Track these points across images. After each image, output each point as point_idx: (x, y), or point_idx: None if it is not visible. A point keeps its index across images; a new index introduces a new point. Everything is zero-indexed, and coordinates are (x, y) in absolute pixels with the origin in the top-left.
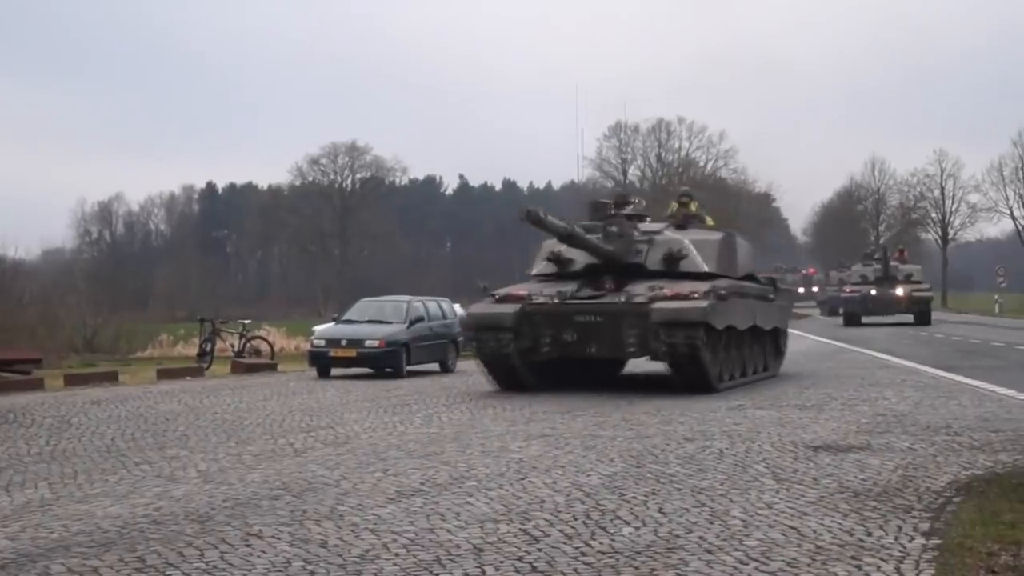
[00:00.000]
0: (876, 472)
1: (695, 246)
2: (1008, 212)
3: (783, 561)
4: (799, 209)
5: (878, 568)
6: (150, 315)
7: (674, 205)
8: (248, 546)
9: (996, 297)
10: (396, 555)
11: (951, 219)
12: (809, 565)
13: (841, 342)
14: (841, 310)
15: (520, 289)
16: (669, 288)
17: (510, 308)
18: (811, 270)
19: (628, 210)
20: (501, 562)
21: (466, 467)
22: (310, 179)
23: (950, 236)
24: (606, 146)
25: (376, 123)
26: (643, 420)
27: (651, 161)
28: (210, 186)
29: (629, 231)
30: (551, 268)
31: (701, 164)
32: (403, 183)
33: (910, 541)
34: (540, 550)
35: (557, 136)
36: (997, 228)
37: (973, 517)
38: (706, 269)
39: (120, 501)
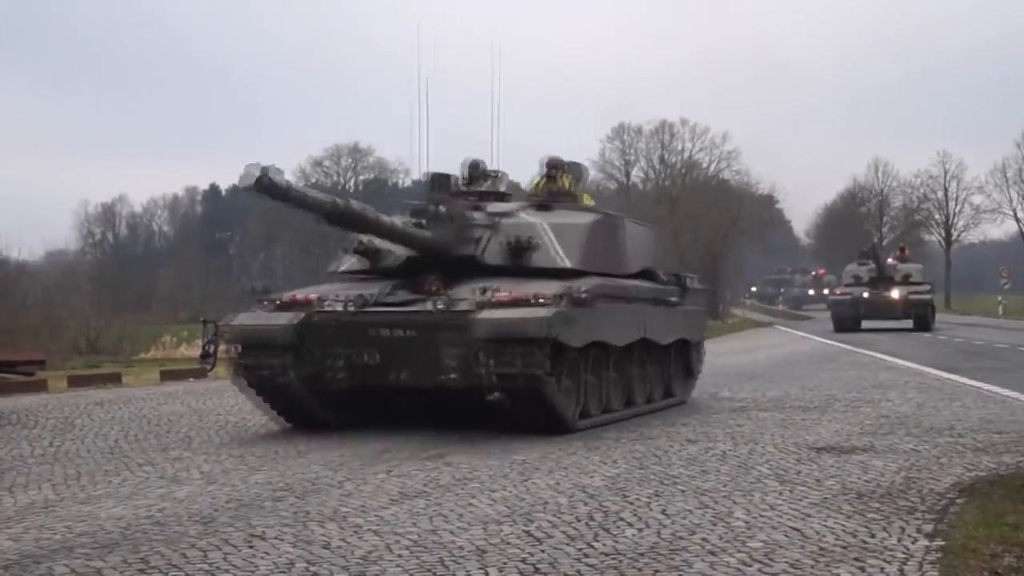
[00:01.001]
0: (879, 474)
1: (555, 233)
2: (1012, 214)
3: (786, 563)
4: (802, 210)
5: (881, 570)
6: (153, 316)
7: (537, 179)
8: (251, 547)
9: (1000, 299)
10: (399, 556)
11: (955, 221)
12: (812, 567)
13: (844, 343)
14: (831, 315)
15: (310, 292)
16: (507, 290)
17: (287, 319)
18: (821, 271)
19: (485, 185)
20: (504, 563)
21: (469, 468)
22: (313, 180)
23: (954, 238)
24: (609, 148)
25: (379, 124)
26: (646, 421)
27: (654, 163)
28: (213, 188)
29: (463, 213)
30: (364, 263)
31: (704, 166)
32: (406, 184)
33: (913, 543)
34: (543, 551)
35: (559, 137)
36: (1001, 230)
37: (976, 519)
38: (567, 264)
39: (123, 502)
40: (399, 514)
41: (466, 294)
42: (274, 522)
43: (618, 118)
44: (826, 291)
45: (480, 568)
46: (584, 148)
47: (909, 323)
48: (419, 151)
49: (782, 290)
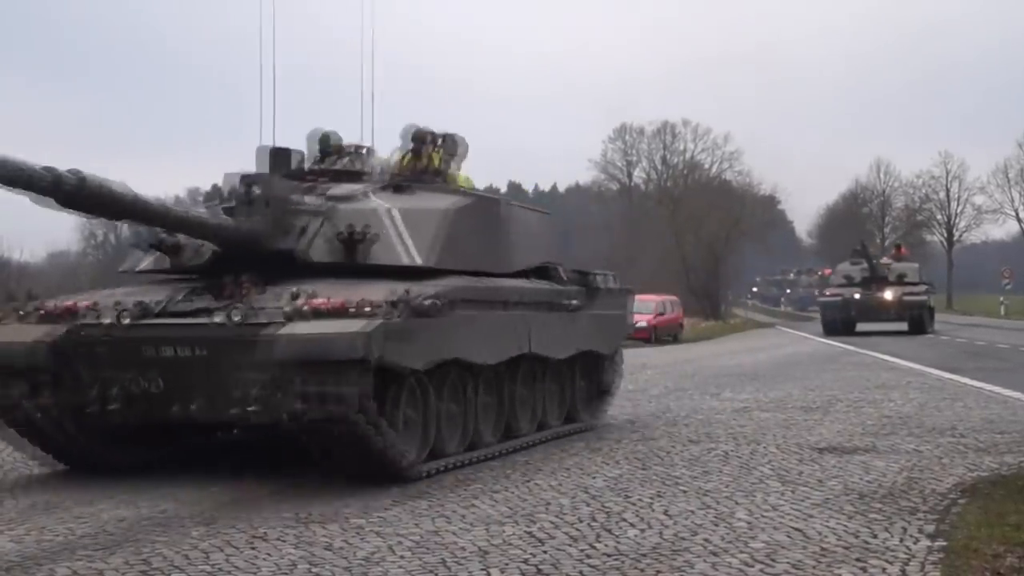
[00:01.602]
0: (881, 474)
1: (405, 221)
2: (1014, 214)
3: (788, 563)
4: (804, 211)
5: (883, 570)
6: None
7: (399, 155)
8: (253, 548)
9: (1001, 299)
10: (401, 557)
11: (956, 221)
12: (814, 567)
13: (846, 344)
14: (820, 317)
15: (82, 299)
16: (327, 295)
17: (39, 335)
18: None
19: (342, 163)
20: (506, 564)
21: (470, 469)
22: None
23: (955, 238)
24: (611, 148)
25: (380, 126)
26: (648, 422)
27: (656, 163)
28: (215, 189)
29: (285, 197)
30: (163, 261)
31: (706, 166)
32: None
33: (915, 543)
34: (545, 552)
35: (562, 138)
36: (1003, 230)
37: (979, 519)
38: (417, 260)
39: (125, 504)
40: (401, 515)
41: (273, 301)
42: (276, 523)
43: (620, 119)
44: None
45: (482, 569)
46: (586, 149)
47: (904, 325)
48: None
49: (787, 291)
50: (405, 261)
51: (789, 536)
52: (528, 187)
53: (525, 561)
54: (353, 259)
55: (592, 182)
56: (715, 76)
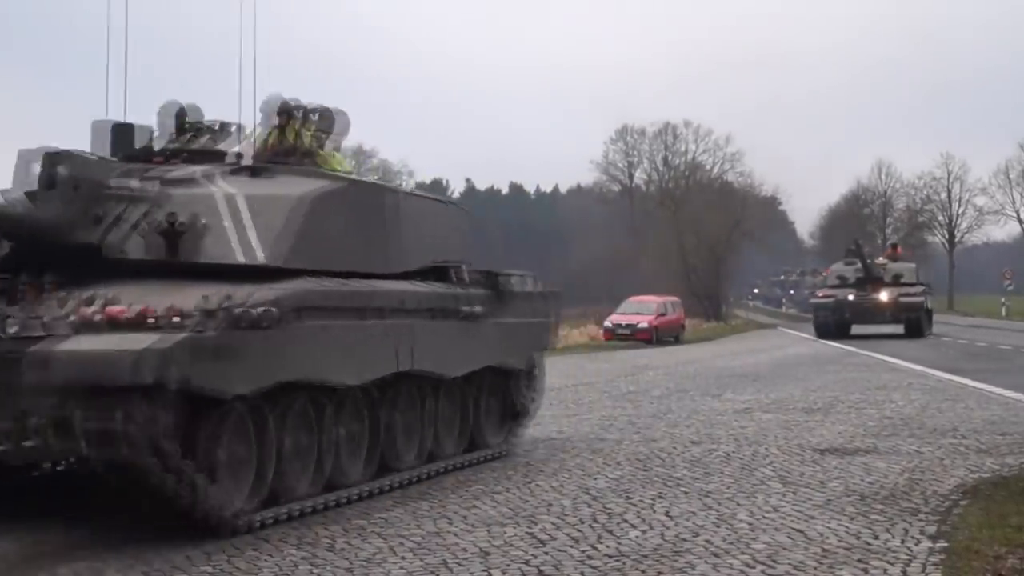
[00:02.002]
0: (883, 475)
1: (250, 210)
2: (1015, 215)
3: (790, 564)
4: (806, 212)
5: (885, 571)
6: None
7: (261, 132)
8: (255, 550)
9: (1003, 300)
10: (403, 558)
11: (958, 222)
12: (816, 568)
13: (847, 345)
14: (812, 319)
15: None
16: (132, 301)
17: None
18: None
19: (201, 142)
20: (508, 565)
21: (472, 471)
22: None
23: (957, 239)
24: (612, 149)
25: (382, 126)
26: (649, 423)
27: (657, 164)
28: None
29: (98, 180)
30: None
31: (708, 167)
32: (409, 187)
33: (917, 544)
34: (547, 553)
35: (564, 139)
36: (1004, 231)
37: (980, 520)
38: (258, 258)
39: (130, 505)
40: (403, 516)
41: (56, 309)
42: (278, 524)
43: (621, 120)
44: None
45: (484, 570)
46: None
47: (900, 328)
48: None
49: (791, 291)
50: (241, 259)
51: (790, 537)
52: (530, 187)
53: (527, 562)
54: (175, 256)
55: (594, 183)
56: (716, 76)
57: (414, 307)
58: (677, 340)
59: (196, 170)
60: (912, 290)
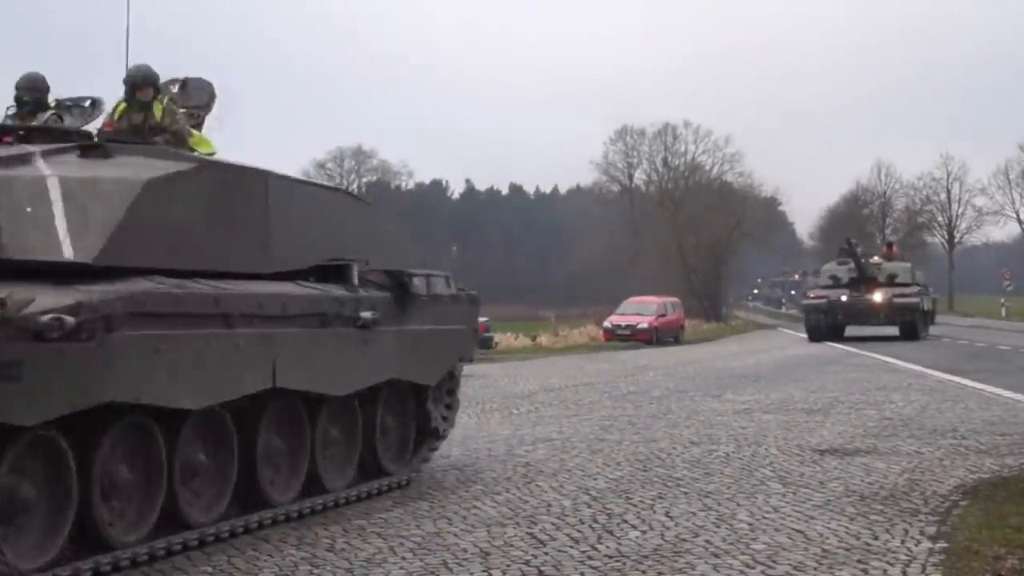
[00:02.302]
0: (883, 476)
1: (66, 197)
2: (1015, 216)
3: (790, 565)
4: (806, 212)
5: (884, 572)
6: None
7: (118, 104)
8: (255, 550)
9: (1002, 300)
10: (403, 559)
11: (957, 223)
12: (816, 569)
13: (847, 346)
14: (804, 322)
15: None
16: None
17: None
18: None
19: (46, 119)
20: (508, 566)
21: (473, 471)
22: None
23: (956, 240)
24: (612, 149)
25: (382, 127)
26: (649, 424)
27: (657, 165)
28: None
29: None
30: None
31: (707, 168)
32: (409, 187)
33: (916, 545)
34: (547, 554)
35: (563, 140)
36: (1004, 232)
37: (980, 521)
38: (65, 255)
39: None
40: (403, 516)
41: None
42: (278, 524)
43: (620, 119)
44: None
45: (484, 570)
46: (588, 151)
47: (895, 330)
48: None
49: (791, 292)
50: (43, 255)
51: (790, 538)
52: (529, 188)
53: (527, 563)
54: None
55: (593, 184)
56: (717, 77)
57: (277, 313)
58: (677, 341)
59: (20, 150)
60: (907, 290)
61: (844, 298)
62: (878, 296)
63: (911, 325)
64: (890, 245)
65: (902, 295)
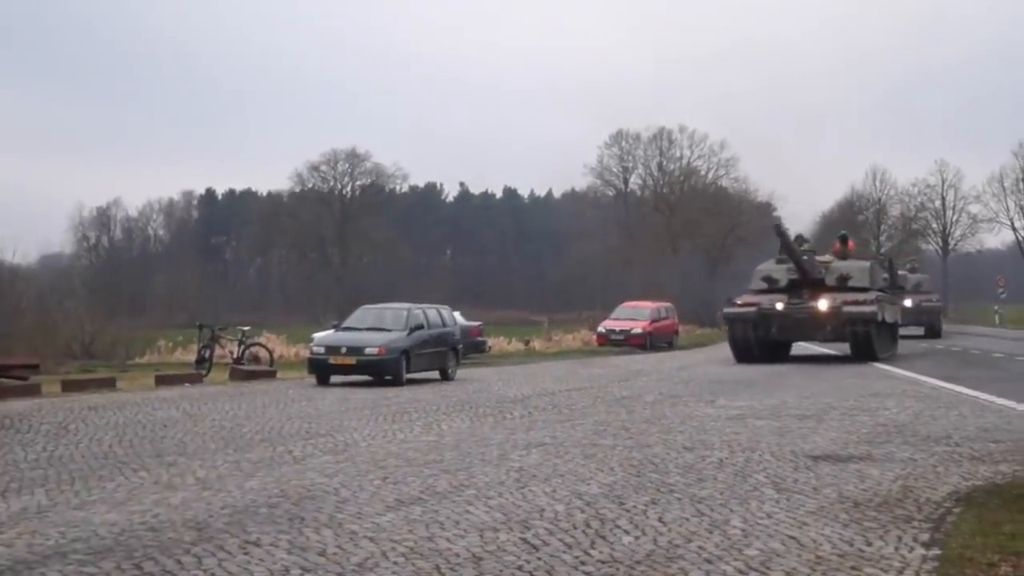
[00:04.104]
0: (876, 482)
1: None
2: (1009, 223)
3: (783, 571)
4: (800, 218)
5: None
6: (148, 321)
7: None
8: (246, 554)
9: (996, 308)
10: (395, 563)
11: (952, 230)
12: (809, 575)
13: (840, 351)
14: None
15: None
16: None
17: None
18: None
19: None
20: (500, 571)
21: (466, 475)
22: (310, 185)
23: (951, 247)
24: (607, 154)
25: (376, 130)
26: (643, 429)
27: (652, 170)
28: (209, 192)
29: None
30: None
31: (702, 173)
32: (403, 190)
33: (910, 551)
34: (540, 559)
35: (558, 144)
36: (998, 239)
37: (973, 528)
38: None
39: (117, 508)
40: (395, 521)
41: None
42: (269, 528)
43: (616, 124)
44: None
45: (476, 575)
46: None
47: (846, 347)
48: None
49: None
50: None
51: (784, 544)
52: (524, 192)
53: (519, 568)
54: None
55: (588, 188)
56: (711, 81)
57: None
58: (671, 346)
59: None
60: (861, 296)
61: (780, 306)
62: (823, 303)
63: (865, 340)
64: (845, 238)
65: (854, 302)
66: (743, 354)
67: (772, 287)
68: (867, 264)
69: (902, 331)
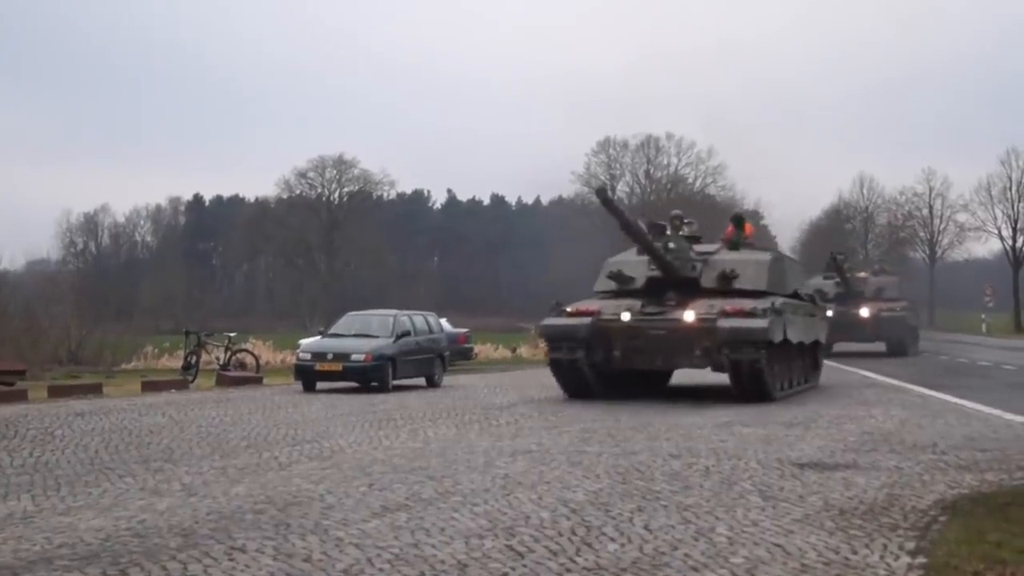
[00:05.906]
0: (862, 490)
1: None
2: (996, 232)
3: None
4: (787, 225)
5: None
6: (135, 327)
7: None
8: (232, 560)
9: (983, 316)
10: (380, 570)
11: (939, 238)
12: None
13: (828, 360)
14: None
15: None
16: None
17: None
18: None
19: None
20: None
21: (451, 482)
22: (297, 192)
23: (938, 255)
24: (594, 161)
25: (363, 136)
26: (629, 436)
27: (639, 177)
28: (197, 198)
29: None
30: None
31: (690, 181)
32: (390, 197)
33: (896, 560)
34: (525, 566)
35: (546, 151)
36: (985, 248)
37: (959, 536)
38: None
39: (103, 514)
40: (381, 527)
41: None
42: (255, 535)
43: (603, 131)
44: None
45: None
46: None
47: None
48: None
49: None
50: None
51: (769, 552)
52: (511, 199)
53: (505, 574)
54: None
55: (575, 195)
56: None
57: None
58: None
59: None
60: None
61: (627, 317)
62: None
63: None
64: (740, 221)
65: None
66: (574, 387)
67: (624, 287)
68: (766, 257)
69: (859, 348)
